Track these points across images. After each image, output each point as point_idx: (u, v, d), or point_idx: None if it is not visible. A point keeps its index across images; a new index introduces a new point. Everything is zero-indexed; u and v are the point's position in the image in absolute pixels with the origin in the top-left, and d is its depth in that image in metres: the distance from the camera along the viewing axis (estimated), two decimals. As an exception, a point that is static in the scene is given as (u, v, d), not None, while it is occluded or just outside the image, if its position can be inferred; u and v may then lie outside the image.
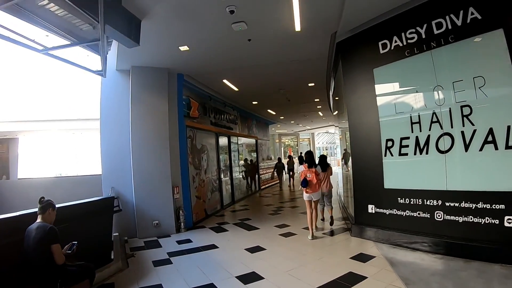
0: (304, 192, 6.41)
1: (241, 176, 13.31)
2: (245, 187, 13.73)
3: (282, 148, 31.69)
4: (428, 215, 4.86)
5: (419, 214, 4.96)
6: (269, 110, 15.25)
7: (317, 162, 6.96)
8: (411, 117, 5.03)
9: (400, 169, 5.23)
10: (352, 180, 5.99)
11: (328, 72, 8.30)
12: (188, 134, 8.47)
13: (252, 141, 15.78)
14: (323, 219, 7.58)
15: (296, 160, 25.26)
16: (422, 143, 4.90)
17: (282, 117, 18.33)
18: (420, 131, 4.92)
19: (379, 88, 5.48)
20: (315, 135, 34.05)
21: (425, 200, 4.88)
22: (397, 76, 5.28)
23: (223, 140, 11.56)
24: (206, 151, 9.60)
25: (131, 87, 7.38)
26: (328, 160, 7.91)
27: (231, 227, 7.75)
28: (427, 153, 4.85)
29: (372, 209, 5.61)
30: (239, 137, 13.53)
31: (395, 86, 5.36)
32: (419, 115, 4.95)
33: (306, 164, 6.47)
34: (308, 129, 29.39)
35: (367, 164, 5.69)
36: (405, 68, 5.11)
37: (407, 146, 5.07)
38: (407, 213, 5.10)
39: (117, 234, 6.87)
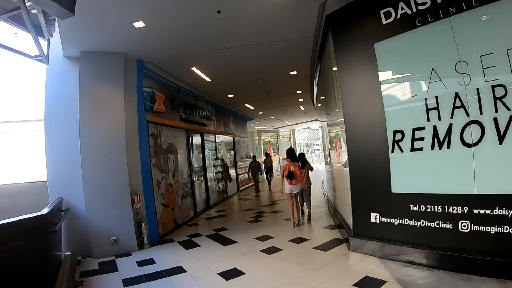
0: (286, 185, 6.89)
1: (216, 178, 12.00)
2: (222, 190, 12.45)
3: (262, 146, 30.54)
4: (450, 226, 3.82)
5: (438, 224, 3.91)
6: (246, 105, 13.99)
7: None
8: (426, 101, 3.96)
9: (413, 168, 4.15)
10: (350, 183, 4.87)
11: (314, 56, 7.18)
12: (151, 131, 7.17)
13: (229, 138, 14.50)
14: (303, 212, 7.71)
15: (276, 158, 24.17)
16: (442, 135, 3.84)
17: (261, 112, 17.13)
18: (439, 119, 3.85)
19: (383, 67, 4.37)
20: (295, 131, 33.11)
21: (446, 207, 3.84)
22: (406, 51, 4.18)
23: (195, 138, 10.30)
24: (174, 151, 8.31)
25: (80, 76, 6.07)
26: (309, 157, 8.57)
27: (204, 241, 6.52)
28: (448, 147, 3.79)
29: (376, 218, 4.53)
30: (214, 135, 12.29)
31: (403, 64, 4.25)
32: (437, 99, 3.87)
33: (289, 159, 7.07)
34: (288, 125, 28.34)
35: (368, 162, 4.59)
36: (417, 40, 4.03)
37: (422, 138, 3.99)
38: (423, 223, 4.05)
39: (69, 253, 5.60)
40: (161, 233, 7.11)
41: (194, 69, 7.79)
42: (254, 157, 14.63)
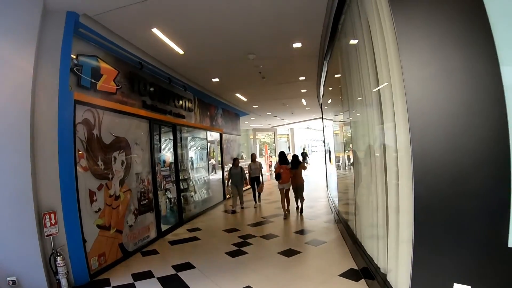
0: (278, 183, 8.19)
1: (195, 184, 9.52)
2: (201, 199, 9.86)
3: (258, 145, 28.15)
4: None
5: None
6: (237, 95, 11.53)
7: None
8: None
9: None
10: (413, 219, 2.46)
11: (329, 12, 4.84)
12: (82, 116, 4.79)
13: (216, 135, 12.03)
14: (297, 208, 8.55)
15: (271, 161, 21.70)
16: None
17: (256, 106, 14.67)
18: None
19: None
20: (294, 130, 30.68)
21: None
22: None
23: (164, 133, 7.99)
24: (125, 147, 5.85)
25: (-26, 29, 3.87)
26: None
27: (152, 291, 4.18)
28: None
29: (468, 297, 2.17)
30: (195, 129, 9.88)
31: None
32: None
33: (279, 162, 8.48)
34: (287, 124, 25.97)
35: (457, 184, 2.17)
36: None
37: None
38: None
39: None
40: (96, 268, 4.80)
41: (155, 31, 5.37)
42: (235, 159, 9.93)
